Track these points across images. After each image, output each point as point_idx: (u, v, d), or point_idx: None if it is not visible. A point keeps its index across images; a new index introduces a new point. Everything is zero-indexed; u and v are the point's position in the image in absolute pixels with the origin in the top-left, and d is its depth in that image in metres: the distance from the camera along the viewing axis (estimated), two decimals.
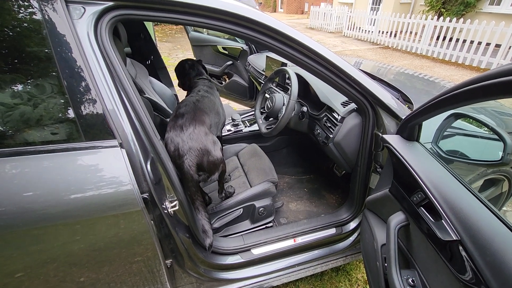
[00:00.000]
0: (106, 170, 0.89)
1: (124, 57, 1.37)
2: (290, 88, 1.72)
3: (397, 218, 0.96)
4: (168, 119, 1.67)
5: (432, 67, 7.02)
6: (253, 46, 3.04)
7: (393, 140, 1.09)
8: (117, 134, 0.92)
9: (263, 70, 2.39)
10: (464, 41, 7.12)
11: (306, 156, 2.39)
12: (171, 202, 1.14)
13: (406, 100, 1.47)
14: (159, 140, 1.07)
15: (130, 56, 2.44)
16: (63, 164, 0.85)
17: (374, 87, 1.25)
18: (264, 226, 1.66)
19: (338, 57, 1.20)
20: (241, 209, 1.58)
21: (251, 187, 1.65)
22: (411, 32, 8.59)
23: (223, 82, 3.53)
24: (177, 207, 1.12)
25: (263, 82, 2.35)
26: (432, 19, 7.84)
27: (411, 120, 1.00)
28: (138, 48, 2.55)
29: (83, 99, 0.88)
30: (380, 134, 1.31)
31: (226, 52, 3.33)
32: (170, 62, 7.20)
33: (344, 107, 1.44)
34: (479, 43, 6.73)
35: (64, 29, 0.86)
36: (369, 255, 1.20)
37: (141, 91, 2.06)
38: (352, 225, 1.63)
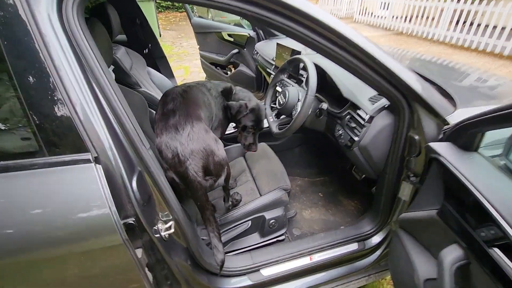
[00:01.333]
0: (75, 192, 0.69)
1: (109, 46, 1.15)
2: (306, 81, 1.48)
3: (453, 255, 0.74)
4: None
5: (451, 54, 6.57)
6: (261, 32, 2.76)
7: (444, 149, 0.86)
8: (91, 146, 0.71)
9: (272, 59, 2.14)
10: (487, 26, 6.61)
11: (320, 155, 2.16)
12: (165, 222, 0.94)
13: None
14: (148, 150, 0.86)
15: (126, 44, 2.22)
16: (17, 187, 0.66)
17: (411, 78, 1.01)
18: (275, 239, 1.47)
19: (367, 41, 0.96)
20: (249, 222, 1.38)
21: (260, 194, 1.44)
22: (427, 17, 8.06)
23: (229, 73, 3.28)
24: (172, 230, 0.93)
25: (272, 73, 2.11)
26: (451, 1, 7.29)
27: (474, 126, 0.76)
28: (134, 36, 2.31)
29: (44, 102, 0.67)
30: (416, 137, 1.08)
31: (232, 40, 3.06)
32: (174, 51, 6.92)
33: (372, 104, 1.20)
34: (503, 28, 6.23)
35: (16, 9, 0.64)
36: (406, 286, 0.99)
37: (136, 84, 1.85)
38: (376, 239, 1.42)
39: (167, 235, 0.93)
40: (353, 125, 1.24)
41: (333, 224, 1.65)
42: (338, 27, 0.87)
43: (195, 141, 1.06)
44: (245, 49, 2.98)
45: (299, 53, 1.67)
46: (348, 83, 1.30)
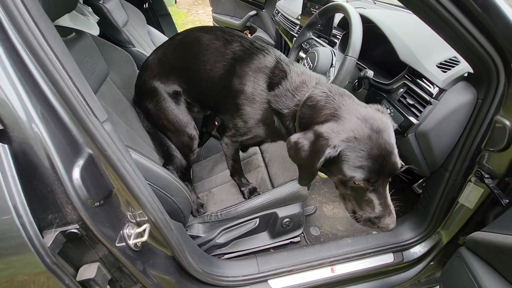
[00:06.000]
0: None
1: None
2: (343, 38, 1.11)
3: None
4: None
5: None
6: None
7: None
8: None
9: (297, 18, 1.73)
10: None
11: None
12: (137, 225, 0.68)
13: None
14: (102, 123, 0.56)
15: None
16: None
17: None
18: (288, 241, 1.19)
19: None
20: (257, 220, 1.11)
21: (272, 186, 1.15)
22: None
23: None
24: (146, 237, 0.66)
25: (296, 36, 1.71)
26: None
27: None
28: None
29: None
30: (507, 123, 0.74)
31: None
32: (189, 18, 6.47)
33: (444, 71, 0.83)
34: None
35: None
36: None
37: (127, 43, 1.54)
38: (418, 250, 1.11)
39: (138, 244, 0.66)
40: (411, 101, 0.87)
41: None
42: None
43: None
44: (264, 10, 2.54)
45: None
46: (408, 41, 0.91)
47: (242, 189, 1.14)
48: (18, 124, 0.44)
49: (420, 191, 1.22)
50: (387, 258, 1.10)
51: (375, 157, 0.62)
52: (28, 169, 0.47)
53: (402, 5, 0.81)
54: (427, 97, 0.82)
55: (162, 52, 1.04)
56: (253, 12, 2.67)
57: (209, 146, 1.52)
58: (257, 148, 1.36)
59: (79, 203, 0.51)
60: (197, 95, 1.04)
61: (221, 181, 1.30)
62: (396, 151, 0.66)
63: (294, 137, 0.66)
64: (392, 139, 0.66)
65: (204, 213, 1.17)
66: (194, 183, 1.32)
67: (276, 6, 2.22)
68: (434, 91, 0.81)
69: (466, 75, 0.81)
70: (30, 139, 0.45)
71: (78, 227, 0.53)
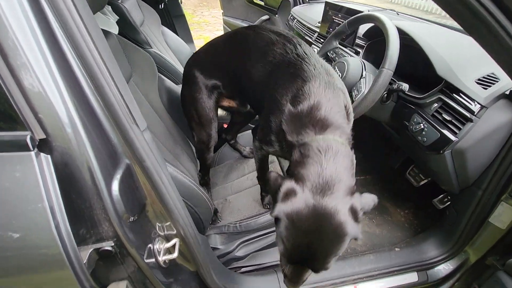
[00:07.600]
0: None
1: None
2: (367, 49, 1.08)
3: None
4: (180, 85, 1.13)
5: None
6: None
7: None
8: (33, 121, 0.38)
9: (316, 26, 1.70)
10: None
11: (361, 149, 1.77)
12: (166, 239, 0.64)
13: None
14: (143, 131, 0.52)
15: None
16: None
17: None
18: None
19: None
20: None
21: None
22: None
23: None
24: (176, 254, 0.62)
25: (314, 43, 1.69)
26: None
27: None
28: None
29: None
30: None
31: (262, 3, 2.61)
32: (195, 20, 6.47)
33: (484, 88, 0.80)
34: None
35: None
36: None
37: (145, 43, 1.50)
38: (444, 269, 1.08)
39: (167, 261, 0.62)
40: (447, 117, 0.84)
41: (381, 239, 1.31)
42: None
43: None
44: (277, 16, 2.53)
45: (360, 13, 1.24)
46: (444, 55, 0.88)
47: (263, 193, 1.11)
48: (62, 133, 0.40)
49: (441, 206, 1.19)
50: (411, 277, 1.07)
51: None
52: (68, 181, 0.43)
53: (422, 17, 0.78)
54: (467, 114, 0.79)
55: (212, 44, 1.05)
56: (266, 17, 2.65)
57: (224, 152, 1.48)
58: (274, 157, 1.32)
59: (116, 218, 0.47)
60: (237, 91, 1.03)
61: (236, 189, 1.26)
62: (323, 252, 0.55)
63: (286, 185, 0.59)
64: (323, 240, 0.55)
65: (219, 221, 1.13)
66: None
67: (291, 12, 2.20)
68: (475, 108, 0.78)
69: (508, 93, 0.78)
70: (73, 150, 0.41)
71: (113, 244, 0.49)
